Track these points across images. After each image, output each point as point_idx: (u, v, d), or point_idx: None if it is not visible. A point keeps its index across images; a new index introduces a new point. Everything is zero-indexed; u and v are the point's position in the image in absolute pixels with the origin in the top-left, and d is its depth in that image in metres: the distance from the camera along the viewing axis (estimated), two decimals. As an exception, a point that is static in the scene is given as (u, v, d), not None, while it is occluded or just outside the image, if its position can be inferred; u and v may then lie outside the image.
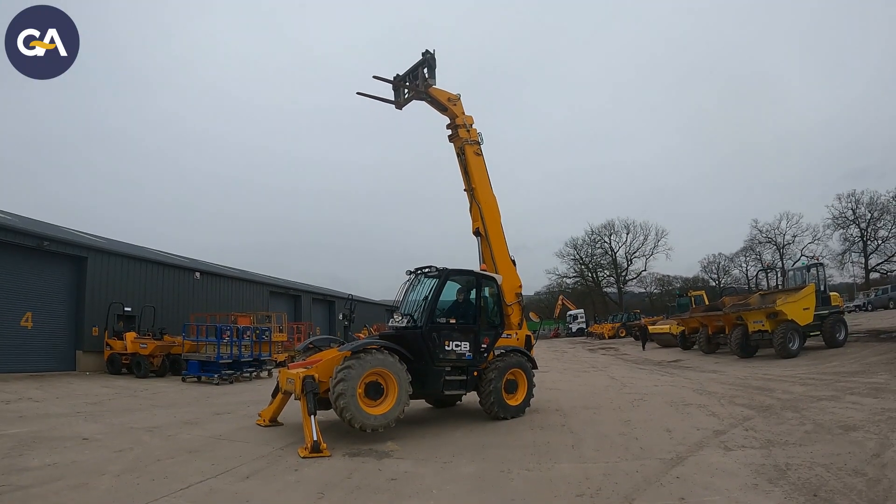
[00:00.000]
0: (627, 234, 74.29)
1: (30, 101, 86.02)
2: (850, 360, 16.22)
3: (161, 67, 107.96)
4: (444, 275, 9.55)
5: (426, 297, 9.46)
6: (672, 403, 10.95)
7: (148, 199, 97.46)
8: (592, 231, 75.81)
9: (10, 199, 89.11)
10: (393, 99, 12.58)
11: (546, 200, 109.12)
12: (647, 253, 73.50)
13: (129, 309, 21.95)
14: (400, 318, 9.61)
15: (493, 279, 10.37)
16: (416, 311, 9.60)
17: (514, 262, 11.97)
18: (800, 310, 18.55)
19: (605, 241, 75.72)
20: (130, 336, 20.05)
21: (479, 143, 12.19)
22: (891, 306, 36.50)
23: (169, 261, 27.30)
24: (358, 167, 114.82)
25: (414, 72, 12.25)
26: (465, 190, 12.26)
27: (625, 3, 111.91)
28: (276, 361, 22.12)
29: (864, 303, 40.73)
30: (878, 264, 58.00)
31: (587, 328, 58.69)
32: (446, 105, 12.28)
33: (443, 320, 9.34)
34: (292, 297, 38.37)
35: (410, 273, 10.28)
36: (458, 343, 9.35)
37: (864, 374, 13.33)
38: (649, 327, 33.66)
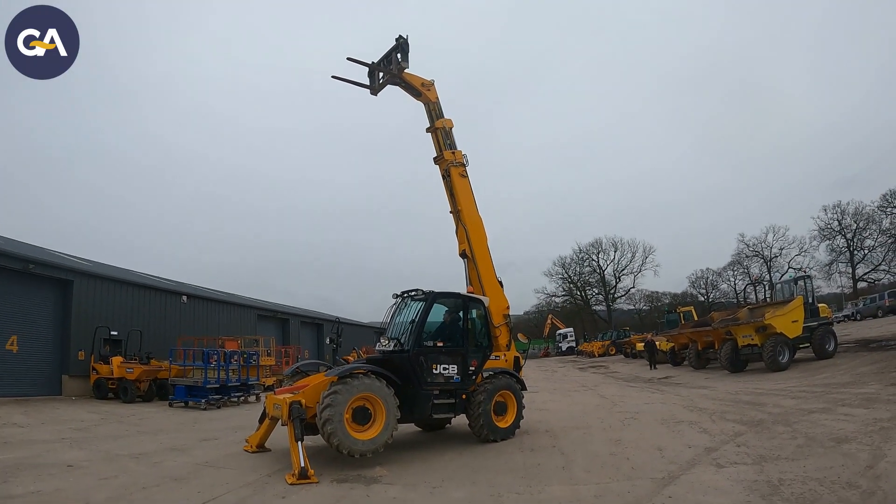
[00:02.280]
0: (615, 251, 74.81)
1: (18, 116, 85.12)
2: (841, 371, 16.24)
3: (147, 85, 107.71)
4: (430, 297, 9.53)
5: (413, 321, 9.43)
6: (663, 421, 10.90)
7: (135, 220, 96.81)
8: (580, 249, 76.23)
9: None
10: (368, 85, 12.61)
11: (534, 219, 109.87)
12: (635, 270, 73.94)
13: (115, 333, 21.73)
14: (387, 341, 9.54)
15: (480, 301, 10.35)
16: (402, 335, 9.54)
17: (501, 283, 11.91)
18: (788, 322, 18.58)
19: (593, 260, 76.17)
20: (117, 360, 19.80)
21: (464, 165, 12.14)
22: (879, 315, 36.70)
23: (156, 284, 27.15)
24: (345, 187, 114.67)
25: (388, 57, 12.28)
26: (451, 212, 12.22)
27: (609, 23, 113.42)
28: (264, 386, 21.90)
29: (853, 312, 41.03)
30: (865, 273, 58.50)
31: (577, 346, 58.61)
32: (420, 90, 12.27)
33: (430, 343, 9.30)
34: (280, 321, 38.10)
35: (397, 296, 10.25)
36: (446, 366, 9.28)
37: (855, 385, 13.37)
38: (637, 344, 33.64)
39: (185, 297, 27.83)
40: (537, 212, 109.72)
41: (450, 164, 11.98)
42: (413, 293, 9.99)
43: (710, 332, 21.96)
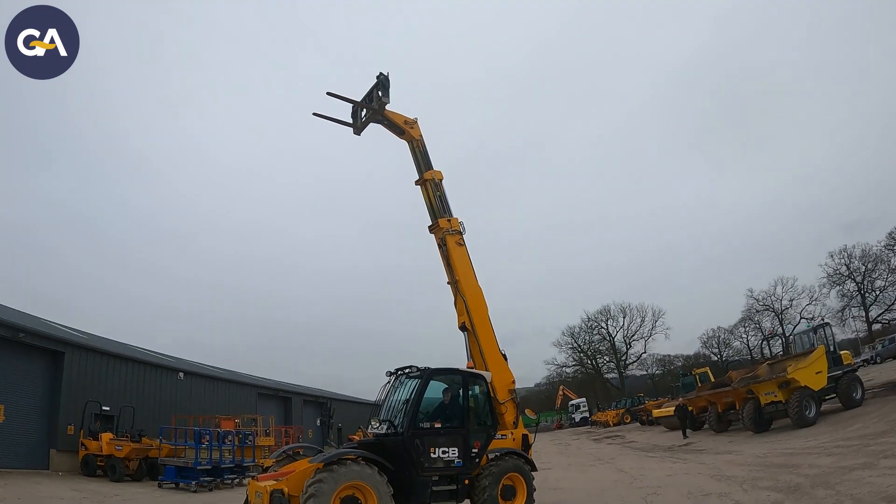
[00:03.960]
0: (624, 317, 73.86)
1: (14, 182, 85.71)
2: (873, 419, 15.21)
3: (144, 165, 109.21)
4: (426, 375, 8.99)
5: (407, 400, 8.86)
6: (689, 495, 10.01)
7: (132, 294, 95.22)
8: (588, 318, 75.23)
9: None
10: (350, 123, 12.26)
11: (540, 288, 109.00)
12: (645, 335, 72.88)
13: (107, 408, 21.19)
14: (378, 424, 8.87)
15: (482, 377, 9.76)
16: (396, 416, 8.93)
17: (505, 356, 11.11)
18: (812, 374, 17.74)
19: (602, 327, 75.14)
20: (106, 437, 19.34)
21: (460, 233, 11.56)
22: (899, 356, 35.64)
23: (151, 359, 26.92)
24: (351, 266, 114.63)
25: (370, 95, 11.93)
26: (448, 283, 11.56)
27: (604, 96, 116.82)
28: (262, 467, 20.98)
29: (872, 356, 39.95)
30: (878, 315, 57.37)
31: (591, 417, 57.07)
32: (403, 127, 11.84)
33: (427, 425, 8.69)
34: (282, 399, 37.40)
35: (390, 374, 9.71)
36: (446, 449, 8.60)
37: (893, 433, 12.36)
38: (654, 411, 32.22)
39: (181, 374, 27.46)
40: (543, 282, 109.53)
41: (445, 232, 11.35)
42: (408, 370, 9.44)
43: (731, 392, 20.98)
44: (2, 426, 18.02)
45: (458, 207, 11.88)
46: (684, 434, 24.11)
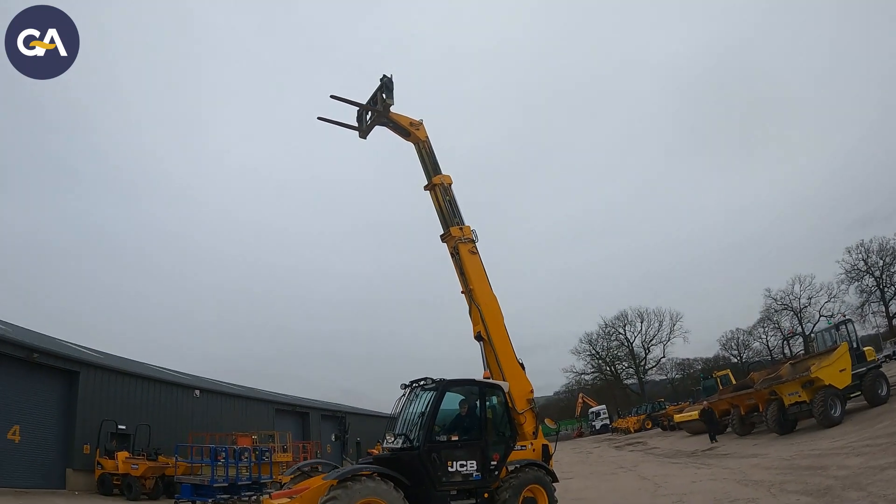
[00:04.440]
0: (642, 322, 72.94)
1: (25, 204, 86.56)
2: (901, 415, 14.82)
3: (166, 182, 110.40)
4: (441, 387, 8.81)
5: (423, 413, 8.70)
6: (716, 501, 9.75)
7: (149, 312, 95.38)
8: (606, 324, 74.39)
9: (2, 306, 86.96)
10: (356, 126, 12.20)
11: (556, 297, 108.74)
12: (663, 339, 71.83)
13: (123, 427, 21.04)
14: (393, 438, 8.71)
15: (499, 387, 9.57)
16: (412, 430, 8.75)
17: (522, 365, 10.92)
18: (836, 372, 17.33)
19: (619, 333, 74.26)
20: (122, 455, 19.28)
21: (473, 241, 11.39)
22: (922, 349, 35.00)
23: (167, 377, 26.90)
24: (368, 276, 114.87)
25: (374, 98, 11.87)
26: (462, 292, 11.36)
27: (615, 98, 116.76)
28: (280, 483, 20.67)
29: (894, 351, 39.35)
30: (899, 309, 56.48)
31: (611, 424, 56.41)
32: (408, 129, 11.75)
33: (443, 438, 8.52)
34: (300, 415, 37.23)
35: (405, 386, 9.51)
36: (464, 462, 8.42)
37: (922, 429, 12.00)
38: (675, 416, 31.69)
39: (197, 391, 27.48)
40: (559, 289, 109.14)
41: (458, 240, 11.17)
42: (423, 382, 9.25)
43: (753, 394, 20.56)
44: (18, 446, 18.03)
45: (472, 217, 11.78)
46: (712, 438, 23.09)
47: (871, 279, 57.47)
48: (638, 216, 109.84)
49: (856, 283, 58.36)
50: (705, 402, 25.26)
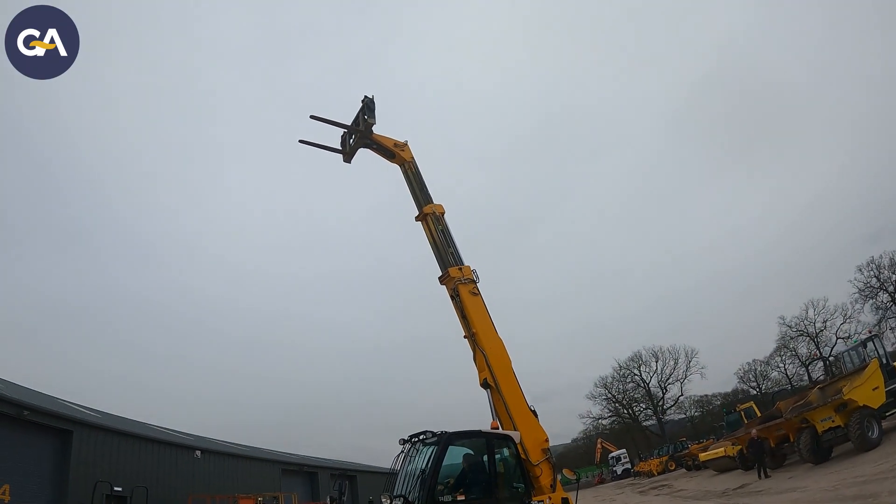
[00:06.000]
0: (657, 361, 71.48)
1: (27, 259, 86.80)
2: (943, 430, 13.83)
3: (173, 240, 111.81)
4: (443, 440, 8.09)
5: (423, 470, 7.94)
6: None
7: (150, 384, 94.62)
8: (620, 366, 73.15)
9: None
10: (339, 149, 11.89)
11: (570, 344, 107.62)
12: (680, 377, 70.18)
13: (119, 489, 20.12)
14: (389, 501, 7.94)
15: (509, 437, 8.82)
16: (411, 489, 7.97)
17: (535, 412, 10.08)
18: (869, 391, 16.50)
19: (635, 374, 72.78)
20: None
21: (474, 281, 10.75)
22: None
23: (167, 438, 26.21)
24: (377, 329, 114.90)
25: (356, 120, 11.55)
26: (465, 336, 10.65)
27: (609, 135, 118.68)
28: None
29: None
30: (918, 323, 55.17)
31: (633, 468, 54.57)
32: (393, 150, 11.36)
33: (448, 498, 7.80)
34: (308, 475, 36.06)
35: (404, 441, 8.81)
36: None
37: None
38: (700, 455, 30.20)
39: (198, 452, 26.61)
40: (573, 336, 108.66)
41: (458, 281, 10.54)
42: (423, 436, 8.51)
43: (783, 424, 19.52)
44: (8, 506, 17.35)
45: (481, 267, 11.22)
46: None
47: (885, 295, 56.21)
48: (644, 256, 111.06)
49: (871, 301, 57.17)
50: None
